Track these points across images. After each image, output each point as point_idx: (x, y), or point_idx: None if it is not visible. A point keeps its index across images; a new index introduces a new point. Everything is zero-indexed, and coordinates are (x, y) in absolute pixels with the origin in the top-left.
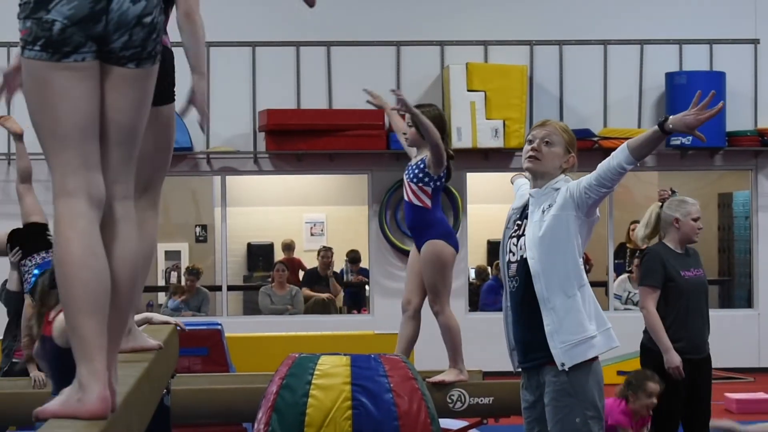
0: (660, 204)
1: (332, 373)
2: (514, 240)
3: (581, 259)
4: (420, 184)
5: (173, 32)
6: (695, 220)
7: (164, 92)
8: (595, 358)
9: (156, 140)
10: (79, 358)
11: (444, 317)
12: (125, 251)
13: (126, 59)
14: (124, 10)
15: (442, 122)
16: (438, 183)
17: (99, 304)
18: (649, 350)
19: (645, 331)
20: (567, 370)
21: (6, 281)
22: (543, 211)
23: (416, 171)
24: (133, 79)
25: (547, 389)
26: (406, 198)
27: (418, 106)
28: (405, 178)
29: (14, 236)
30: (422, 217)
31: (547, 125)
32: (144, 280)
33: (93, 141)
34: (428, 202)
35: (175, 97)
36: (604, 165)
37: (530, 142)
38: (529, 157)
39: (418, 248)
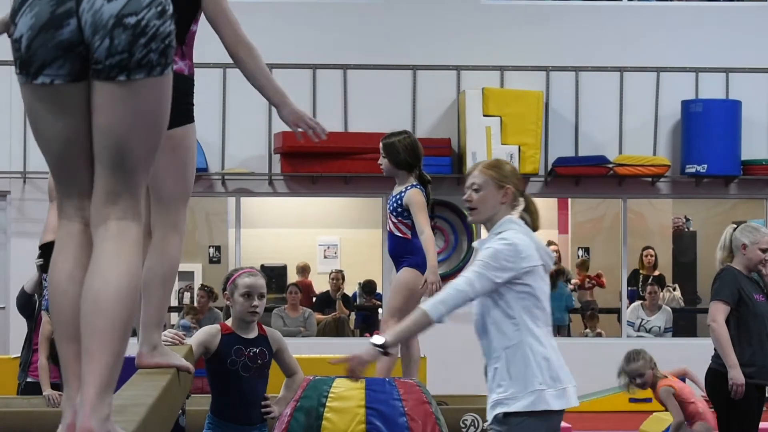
0: (734, 227)
1: (347, 396)
2: None
3: (516, 320)
4: (399, 218)
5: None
6: (763, 250)
7: (181, 113)
8: (523, 414)
9: (169, 163)
10: (63, 385)
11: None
12: (108, 270)
13: (114, 69)
14: (97, 8)
15: (414, 150)
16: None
17: (73, 331)
18: (720, 374)
19: (714, 357)
20: (488, 427)
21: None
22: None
23: (395, 205)
24: (125, 94)
25: None
26: (388, 227)
27: (390, 135)
28: (388, 207)
29: (47, 246)
30: (403, 246)
31: (471, 172)
32: (168, 297)
33: (82, 164)
34: (408, 234)
35: (193, 119)
36: (457, 282)
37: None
38: (468, 210)
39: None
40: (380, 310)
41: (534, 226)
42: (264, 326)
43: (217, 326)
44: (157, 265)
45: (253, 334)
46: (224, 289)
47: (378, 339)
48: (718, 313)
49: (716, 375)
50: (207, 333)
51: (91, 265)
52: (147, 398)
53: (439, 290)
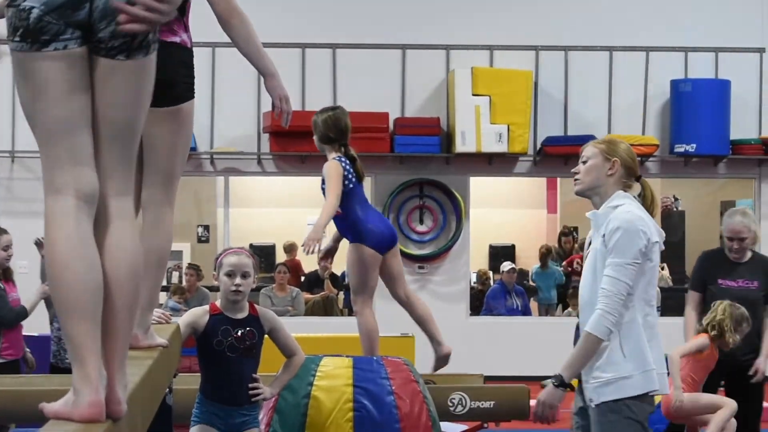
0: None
1: (334, 375)
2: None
3: (625, 295)
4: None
5: (194, 30)
6: (729, 238)
7: (182, 90)
8: (635, 397)
9: (174, 138)
10: (72, 362)
11: (363, 318)
12: (119, 250)
13: (116, 50)
14: None
15: (336, 126)
16: (343, 189)
17: (87, 307)
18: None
19: None
20: (595, 406)
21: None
22: (603, 236)
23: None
24: (125, 71)
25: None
26: None
27: (319, 111)
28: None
29: None
30: (340, 224)
31: (584, 147)
32: (162, 277)
33: (82, 134)
34: (339, 210)
35: (194, 95)
36: (610, 288)
37: None
38: (574, 182)
39: None
40: None
41: (649, 213)
42: (257, 306)
43: (206, 307)
44: (155, 244)
45: (242, 314)
46: (214, 269)
47: (555, 379)
48: (687, 301)
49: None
50: (195, 314)
51: (107, 245)
52: (133, 377)
53: (312, 251)
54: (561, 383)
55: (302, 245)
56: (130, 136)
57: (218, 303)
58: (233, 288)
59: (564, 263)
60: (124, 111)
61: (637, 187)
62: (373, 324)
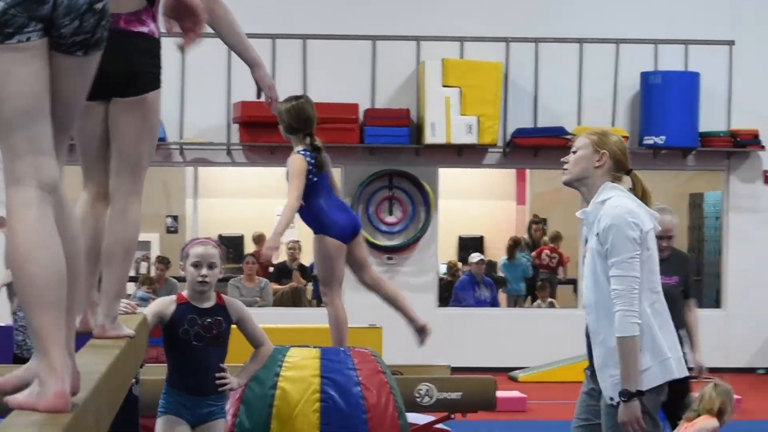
0: None
1: (301, 366)
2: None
3: (637, 288)
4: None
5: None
6: (659, 237)
7: (148, 80)
8: (653, 389)
9: (140, 128)
10: (36, 353)
11: (332, 308)
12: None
13: (76, 46)
14: None
15: (299, 115)
16: (306, 182)
17: (51, 298)
18: None
19: None
20: (615, 403)
21: None
22: (597, 235)
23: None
24: (80, 66)
25: (601, 408)
26: None
27: (285, 100)
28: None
29: None
30: (304, 215)
31: (576, 137)
32: (129, 267)
33: (42, 124)
34: (302, 203)
35: (160, 85)
36: (620, 287)
37: None
38: (562, 172)
39: None
40: None
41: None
42: (224, 296)
43: (173, 296)
44: (121, 233)
45: (209, 303)
46: (181, 259)
47: (622, 395)
48: None
49: None
50: (161, 303)
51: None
52: (100, 366)
53: (269, 259)
54: (629, 396)
55: (262, 258)
56: (71, 124)
57: (185, 293)
58: (199, 279)
59: (533, 254)
60: (72, 103)
61: (627, 181)
62: (342, 314)
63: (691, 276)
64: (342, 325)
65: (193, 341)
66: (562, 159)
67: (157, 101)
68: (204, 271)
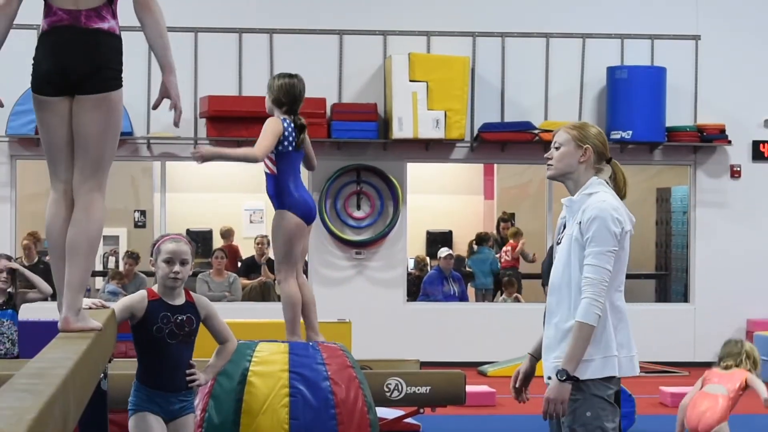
0: None
1: (270, 360)
2: (557, 249)
3: (608, 281)
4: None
5: (124, 17)
6: None
7: (110, 77)
8: (600, 379)
9: (103, 126)
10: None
11: (286, 286)
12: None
13: None
14: None
15: (289, 92)
16: (281, 148)
17: (57, 256)
18: None
19: None
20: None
21: None
22: (579, 224)
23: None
24: None
25: None
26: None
27: (280, 75)
28: None
29: None
30: (271, 184)
31: (556, 132)
32: (92, 261)
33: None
34: (273, 169)
35: (122, 84)
36: (592, 276)
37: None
38: (546, 167)
39: None
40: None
41: (620, 194)
42: (191, 293)
43: (143, 292)
44: (85, 228)
45: (179, 300)
46: (151, 255)
47: (559, 374)
48: None
49: None
50: (133, 299)
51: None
52: (67, 361)
53: (198, 155)
54: (567, 377)
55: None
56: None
57: (155, 288)
58: (171, 275)
59: (501, 253)
60: None
61: (608, 170)
62: (296, 293)
63: None
64: (296, 306)
65: (167, 339)
66: (545, 155)
67: (119, 100)
68: (177, 267)
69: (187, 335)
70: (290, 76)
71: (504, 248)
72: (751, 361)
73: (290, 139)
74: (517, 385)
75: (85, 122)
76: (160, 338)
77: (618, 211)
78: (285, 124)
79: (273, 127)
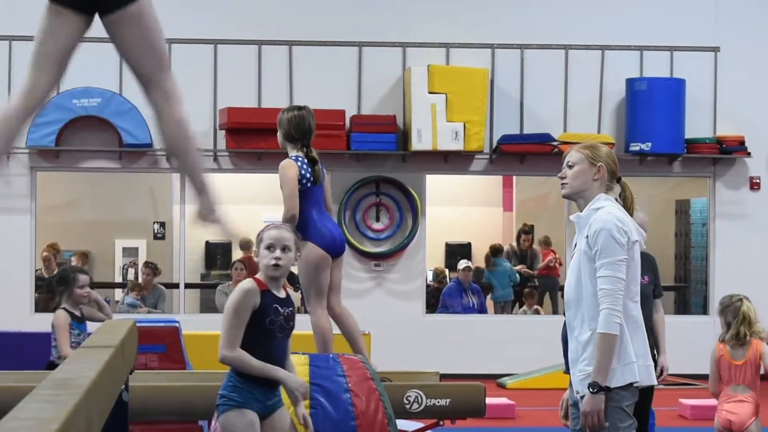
0: None
1: None
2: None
3: (623, 290)
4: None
5: None
6: None
7: None
8: (622, 387)
9: (142, 36)
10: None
11: (315, 318)
12: None
13: None
14: None
15: (299, 125)
16: (300, 187)
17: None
18: None
19: None
20: (581, 398)
21: None
22: (587, 237)
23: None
24: None
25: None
26: None
27: (285, 109)
28: None
29: None
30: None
31: (568, 152)
32: (199, 157)
33: None
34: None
35: None
36: (607, 286)
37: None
38: (561, 186)
39: None
40: None
41: (628, 212)
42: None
43: (250, 281)
44: (175, 131)
45: (283, 293)
46: (255, 246)
47: (591, 386)
48: None
49: None
50: (247, 290)
51: None
52: (90, 372)
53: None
54: (598, 389)
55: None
56: None
57: (261, 278)
58: (273, 261)
59: (540, 263)
60: None
61: (618, 188)
62: (325, 324)
63: (659, 276)
64: (326, 336)
65: (277, 332)
66: (559, 175)
67: (146, 5)
68: (278, 253)
69: (290, 330)
70: (299, 108)
71: (548, 255)
72: (753, 328)
73: (307, 176)
74: (563, 413)
75: (129, 39)
76: (271, 331)
77: (623, 221)
78: (299, 164)
79: (289, 173)
